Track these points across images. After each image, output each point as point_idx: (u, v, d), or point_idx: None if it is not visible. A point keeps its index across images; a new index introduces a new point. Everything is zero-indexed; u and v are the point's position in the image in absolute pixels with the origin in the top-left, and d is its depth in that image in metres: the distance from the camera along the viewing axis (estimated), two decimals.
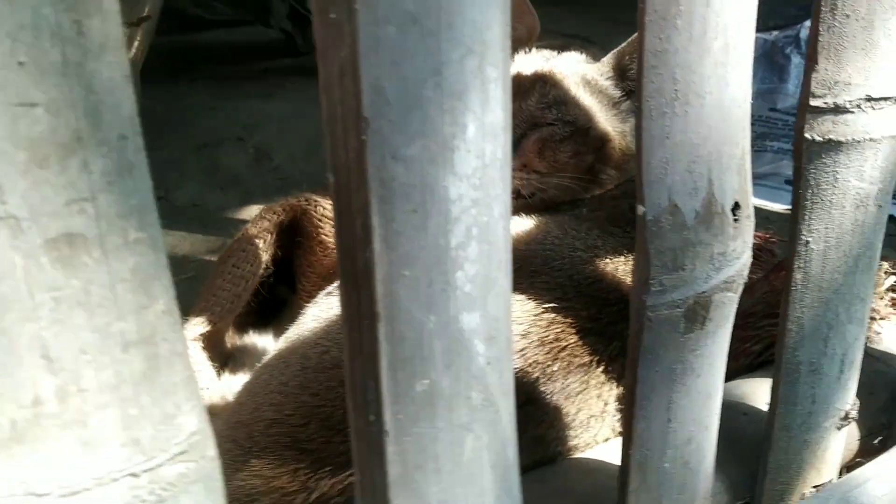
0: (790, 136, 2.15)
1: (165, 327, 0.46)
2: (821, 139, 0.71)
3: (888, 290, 1.12)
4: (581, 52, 1.17)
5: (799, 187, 0.74)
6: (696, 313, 0.66)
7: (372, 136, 0.46)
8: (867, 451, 0.97)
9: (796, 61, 2.37)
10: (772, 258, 1.16)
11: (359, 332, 0.53)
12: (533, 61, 1.16)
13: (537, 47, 1.22)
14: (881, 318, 1.09)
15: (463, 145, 0.48)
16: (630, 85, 1.09)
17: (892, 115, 0.72)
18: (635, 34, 1.09)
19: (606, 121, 1.08)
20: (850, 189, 0.73)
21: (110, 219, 0.42)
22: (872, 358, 1.05)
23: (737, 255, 0.66)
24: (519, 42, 1.26)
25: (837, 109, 0.70)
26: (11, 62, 0.37)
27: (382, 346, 0.52)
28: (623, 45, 1.09)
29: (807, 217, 0.74)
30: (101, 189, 0.41)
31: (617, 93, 1.09)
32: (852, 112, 0.70)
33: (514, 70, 1.17)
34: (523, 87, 1.10)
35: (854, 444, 0.98)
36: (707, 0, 0.57)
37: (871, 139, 0.72)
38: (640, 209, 0.62)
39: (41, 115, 0.38)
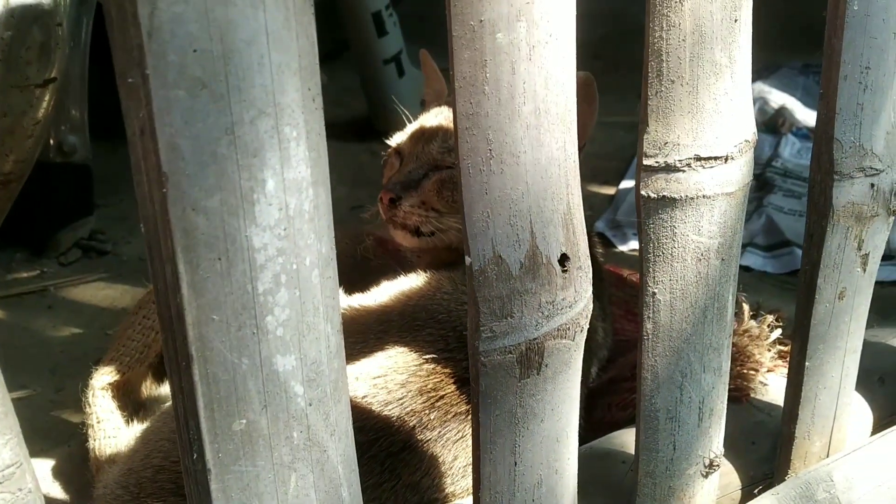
0: None
1: None
2: (655, 196, 0.76)
3: (775, 342, 1.15)
4: None
5: (641, 241, 0.78)
6: (531, 359, 0.69)
7: (172, 190, 0.51)
8: (749, 501, 0.99)
9: None
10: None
11: (178, 374, 0.56)
12: (443, 113, 1.23)
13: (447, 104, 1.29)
14: (767, 371, 1.12)
15: (263, 198, 0.53)
16: None
17: (723, 173, 0.77)
18: None
19: None
20: (689, 243, 0.78)
21: None
22: (756, 409, 1.08)
23: (568, 304, 0.70)
24: (432, 102, 1.34)
25: (669, 168, 0.75)
26: None
27: (198, 387, 0.55)
28: None
29: (651, 269, 0.79)
30: None
31: None
32: (683, 171, 0.75)
33: (425, 121, 1.24)
34: (427, 133, 1.16)
35: (736, 494, 1.00)
36: (512, 68, 0.62)
37: (704, 196, 0.76)
38: (468, 260, 0.66)
39: None
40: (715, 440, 0.89)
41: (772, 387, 1.11)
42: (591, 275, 0.72)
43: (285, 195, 0.54)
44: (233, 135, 0.51)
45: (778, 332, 1.17)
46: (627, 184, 2.28)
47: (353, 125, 2.67)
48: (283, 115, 0.52)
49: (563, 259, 0.69)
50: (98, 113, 1.92)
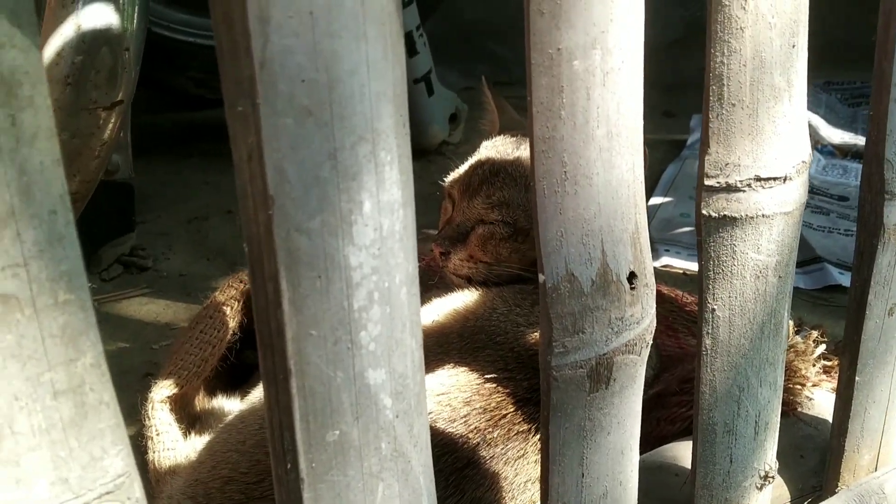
0: None
1: (93, 378, 0.52)
2: (716, 215, 0.78)
3: (819, 357, 1.17)
4: None
5: (701, 259, 0.80)
6: (600, 374, 0.72)
7: (277, 212, 0.54)
8: None
9: None
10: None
11: (275, 387, 0.59)
12: (496, 148, 1.26)
13: (503, 134, 1.31)
14: (813, 385, 1.14)
15: (360, 219, 0.55)
16: None
17: (782, 193, 0.79)
18: None
19: None
20: (748, 261, 0.80)
21: (41, 282, 0.48)
22: (803, 422, 1.10)
23: (636, 320, 0.72)
24: (487, 133, 1.37)
25: (730, 188, 0.77)
26: None
27: (295, 400, 0.58)
28: None
29: (711, 286, 0.81)
30: (33, 256, 0.48)
31: None
32: (744, 191, 0.77)
33: (483, 154, 1.26)
34: (472, 187, 1.20)
35: None
36: (587, 94, 0.64)
37: (763, 215, 0.79)
38: (541, 277, 0.68)
39: None
40: (769, 453, 0.91)
41: (817, 401, 1.13)
42: (654, 292, 0.75)
43: (380, 216, 0.56)
44: (335, 159, 0.54)
45: (822, 348, 1.19)
46: (657, 200, 2.31)
47: None
48: (380, 140, 0.55)
49: (632, 277, 0.71)
50: (137, 132, 1.97)
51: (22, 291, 0.48)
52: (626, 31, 0.65)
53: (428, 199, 2.33)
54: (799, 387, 1.12)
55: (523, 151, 1.21)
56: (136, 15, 1.21)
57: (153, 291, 1.94)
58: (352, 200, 0.55)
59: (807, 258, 1.98)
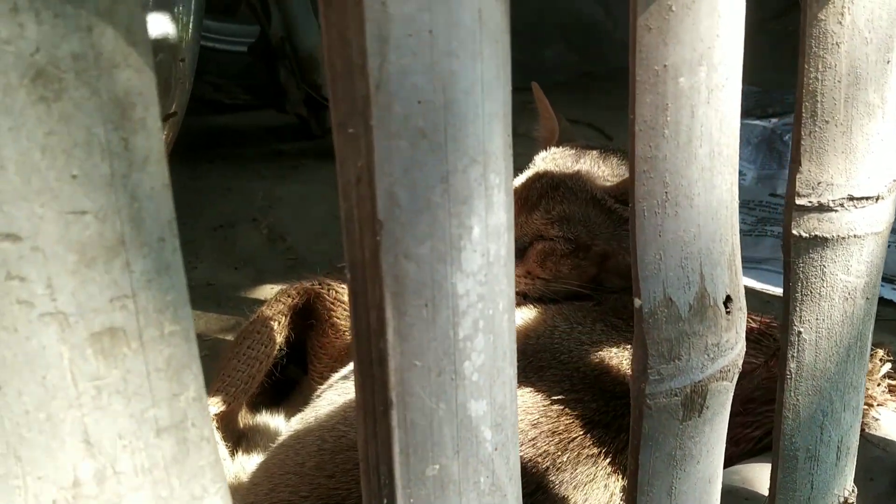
0: None
1: (195, 413, 0.49)
2: (807, 235, 0.75)
3: (884, 376, 1.14)
4: (608, 158, 1.21)
5: (789, 280, 0.78)
6: (694, 401, 0.69)
7: (385, 237, 0.51)
8: None
9: None
10: (773, 343, 1.19)
11: (373, 419, 0.56)
12: (554, 160, 1.22)
13: (560, 146, 1.28)
14: (878, 405, 1.11)
15: (469, 245, 0.53)
16: None
17: (874, 213, 0.76)
18: None
19: (611, 237, 1.13)
20: (837, 282, 0.77)
21: (148, 314, 0.46)
22: (871, 444, 1.07)
23: (730, 345, 0.70)
24: (543, 142, 1.33)
25: (822, 208, 0.75)
26: (66, 175, 0.42)
27: (395, 433, 0.55)
28: None
29: (798, 308, 0.78)
30: (141, 287, 0.45)
31: (626, 213, 1.13)
32: (836, 210, 0.75)
33: (540, 167, 1.23)
34: (531, 201, 1.16)
35: None
36: (692, 112, 0.62)
37: (855, 235, 0.76)
38: (637, 302, 0.66)
39: (90, 221, 0.43)
40: (849, 478, 0.88)
41: (883, 421, 1.10)
42: (745, 316, 0.72)
43: (487, 241, 0.54)
44: (447, 183, 0.51)
45: (888, 366, 1.16)
46: None
47: None
48: (490, 162, 0.53)
49: (727, 301, 0.68)
50: None
51: (129, 324, 0.45)
52: (730, 47, 0.62)
53: None
54: (866, 407, 1.09)
55: (583, 164, 1.19)
56: (191, 24, 1.18)
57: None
58: (462, 225, 0.52)
59: None
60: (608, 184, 1.16)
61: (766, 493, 0.95)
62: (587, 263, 1.13)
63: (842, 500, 0.87)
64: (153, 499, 0.48)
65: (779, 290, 1.91)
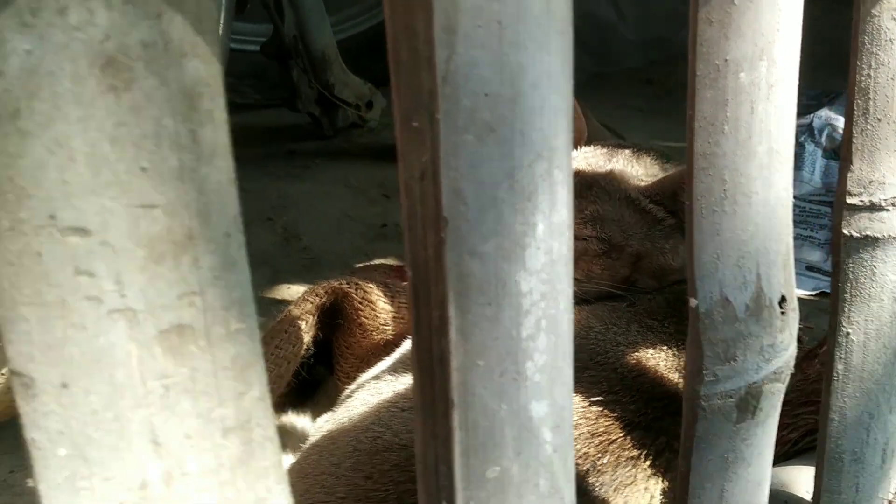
0: (808, 223, 2.18)
1: (259, 413, 0.48)
2: (858, 235, 0.74)
3: None
4: (641, 157, 1.20)
5: (838, 280, 0.77)
6: (748, 403, 0.68)
7: (450, 235, 0.50)
8: None
9: (810, 149, 2.42)
10: (803, 346, 1.18)
11: (433, 419, 0.55)
12: (586, 159, 1.21)
13: (591, 145, 1.27)
14: None
15: (533, 242, 0.52)
16: (677, 206, 1.11)
17: None
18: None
19: (645, 238, 1.11)
20: (887, 283, 0.76)
21: (215, 311, 0.45)
22: None
23: (784, 346, 0.69)
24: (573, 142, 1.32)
25: (873, 207, 0.74)
26: (135, 167, 0.41)
27: (456, 433, 0.54)
28: (673, 172, 1.13)
29: (846, 309, 0.77)
30: (209, 283, 0.44)
31: (661, 213, 1.12)
32: (888, 210, 0.74)
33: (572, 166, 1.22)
34: None
35: None
36: (752, 107, 0.61)
37: None
38: (693, 302, 0.65)
39: (159, 215, 0.42)
40: (893, 481, 0.87)
41: None
42: (798, 316, 0.71)
43: (550, 239, 0.53)
44: (512, 179, 0.50)
45: None
46: None
47: None
48: (555, 158, 0.52)
49: (782, 301, 0.67)
50: None
51: (197, 321, 0.44)
52: (789, 43, 0.61)
53: None
54: None
55: (616, 163, 1.18)
56: (221, 23, 1.17)
57: None
58: (526, 222, 0.51)
59: None
60: (642, 183, 1.15)
61: (804, 495, 0.94)
62: (620, 264, 1.11)
63: (885, 503, 0.85)
64: (220, 501, 0.47)
65: (802, 292, 1.90)
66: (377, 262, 1.93)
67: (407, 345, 1.13)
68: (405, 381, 1.00)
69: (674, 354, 0.99)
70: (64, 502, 0.44)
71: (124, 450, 0.44)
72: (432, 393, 0.55)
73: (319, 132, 2.85)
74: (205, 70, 0.42)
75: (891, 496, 0.86)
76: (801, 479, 0.98)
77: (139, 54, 0.40)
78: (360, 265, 1.85)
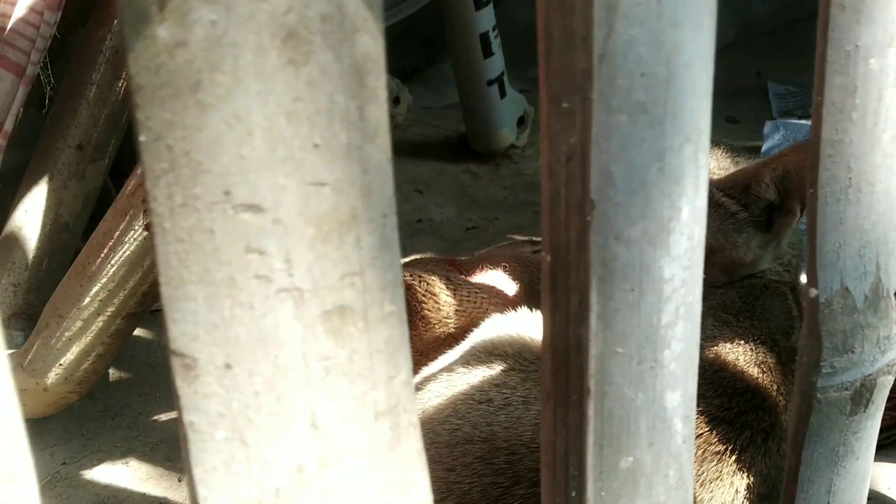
0: None
1: (406, 397, 0.47)
2: None
3: None
4: (713, 151, 1.18)
5: None
6: (862, 396, 0.67)
7: (597, 218, 0.49)
8: None
9: None
10: None
11: (564, 408, 0.54)
12: None
13: None
14: None
15: (678, 227, 0.51)
16: (752, 199, 1.09)
17: None
18: (767, 158, 1.12)
19: (718, 232, 1.10)
20: None
21: (373, 292, 0.44)
22: None
23: None
24: None
25: None
26: (308, 144, 0.40)
27: (591, 422, 0.53)
28: (749, 166, 1.12)
29: None
30: (368, 264, 0.43)
31: (734, 206, 1.10)
32: None
33: None
34: None
35: None
36: (879, 94, 0.60)
37: None
38: (813, 292, 0.63)
39: (328, 193, 0.41)
40: None
41: None
42: None
43: (693, 224, 0.52)
44: (662, 161, 0.49)
45: None
46: None
47: (447, 145, 2.65)
48: (701, 140, 0.51)
49: None
50: None
51: (357, 302, 0.43)
52: None
53: (501, 203, 2.29)
54: None
55: None
56: None
57: None
58: (673, 206, 0.50)
59: None
60: (715, 176, 1.13)
61: (886, 491, 0.93)
62: None
63: None
64: (369, 486, 0.46)
65: None
66: (416, 257, 1.92)
67: (475, 337, 1.11)
68: (479, 374, 0.99)
69: (751, 349, 0.98)
70: (219, 487, 0.44)
71: (284, 433, 0.43)
72: (566, 381, 0.54)
73: None
74: (373, 46, 0.41)
75: None
76: (881, 474, 0.97)
77: (318, 27, 0.39)
78: (411, 258, 1.84)
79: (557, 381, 0.54)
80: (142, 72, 0.37)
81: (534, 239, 1.92)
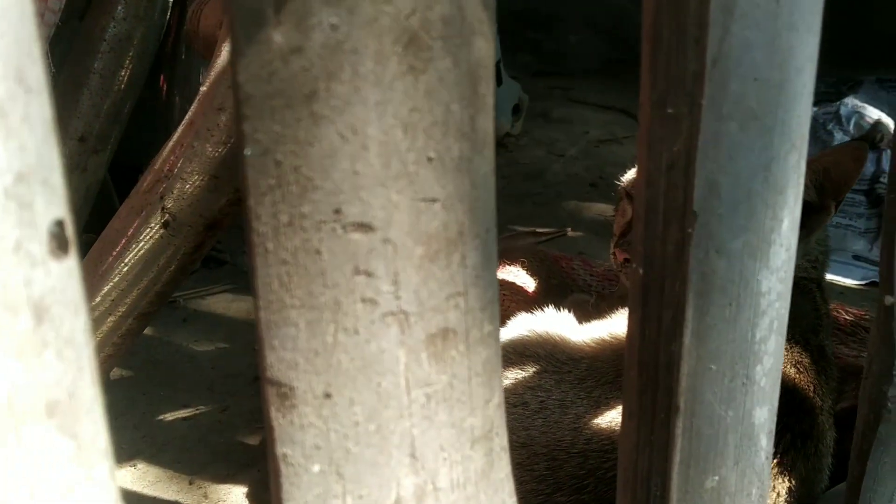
0: (846, 212, 2.15)
1: (499, 421, 0.45)
2: None
3: None
4: None
5: None
6: None
7: (699, 230, 0.46)
8: None
9: (839, 137, 2.40)
10: (866, 335, 1.15)
11: (649, 426, 0.52)
12: None
13: None
14: None
15: (778, 239, 0.48)
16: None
17: None
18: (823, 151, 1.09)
19: None
20: None
21: (474, 312, 0.41)
22: None
23: None
24: None
25: None
26: (423, 158, 0.37)
27: (678, 441, 0.51)
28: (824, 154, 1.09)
29: None
30: (472, 283, 0.41)
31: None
32: None
33: None
34: None
35: None
36: None
37: None
38: (889, 299, 0.61)
39: (438, 210, 0.38)
40: None
41: None
42: None
43: (791, 234, 0.49)
44: (768, 171, 0.46)
45: None
46: None
47: None
48: (804, 148, 0.48)
49: None
50: None
51: (460, 324, 0.41)
52: None
53: (499, 193, 2.26)
54: None
55: None
56: None
57: (236, 288, 1.85)
58: (775, 217, 0.48)
59: None
60: None
61: None
62: None
63: None
64: None
65: (852, 282, 1.88)
66: None
67: (505, 336, 1.08)
68: (511, 377, 0.97)
69: (787, 349, 0.96)
70: None
71: (382, 465, 0.40)
72: (653, 399, 0.51)
73: None
74: (486, 50, 0.38)
75: None
76: None
77: (439, 31, 0.36)
78: None
79: (643, 399, 0.52)
80: (252, 80, 0.34)
81: (536, 230, 1.90)
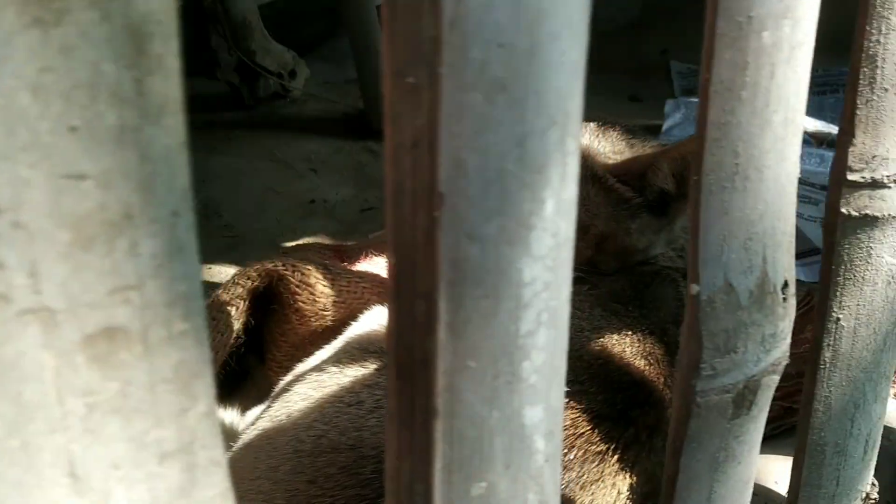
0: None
1: (205, 432, 0.39)
2: (857, 214, 0.69)
3: None
4: (607, 132, 1.11)
5: (831, 263, 0.71)
6: (745, 398, 0.62)
7: (446, 214, 0.41)
8: None
9: None
10: None
11: (409, 431, 0.47)
12: None
13: None
14: None
15: (540, 223, 0.43)
16: (645, 185, 1.04)
17: None
18: (665, 146, 1.06)
19: (611, 218, 1.04)
20: (882, 265, 0.71)
21: (156, 308, 0.35)
22: None
23: (783, 335, 0.63)
24: None
25: (875, 184, 0.68)
26: (62, 127, 0.31)
27: (438, 446, 0.46)
28: (645, 154, 1.06)
29: (838, 293, 0.72)
30: (150, 274, 0.35)
31: (628, 192, 1.04)
32: (889, 187, 0.68)
33: None
34: None
35: None
36: (772, 72, 0.53)
37: None
38: (695, 288, 0.58)
39: (90, 188, 0.32)
40: (871, 473, 0.83)
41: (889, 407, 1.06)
42: (795, 303, 0.65)
43: (558, 219, 0.45)
44: (522, 148, 0.41)
45: None
46: None
47: (347, 122, 2.52)
48: (568, 124, 0.43)
49: (784, 286, 0.61)
50: None
51: (132, 322, 0.35)
52: (811, 1, 0.54)
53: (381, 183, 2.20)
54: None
55: (581, 139, 1.09)
56: None
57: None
58: (535, 199, 0.43)
59: (804, 249, 1.92)
60: (609, 161, 1.07)
61: (773, 486, 0.90)
62: (584, 245, 1.03)
63: (863, 495, 0.81)
64: None
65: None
66: (307, 240, 1.80)
67: (352, 331, 1.03)
68: (351, 373, 0.91)
69: (639, 340, 0.93)
70: None
71: (33, 486, 0.34)
72: (411, 400, 0.46)
73: (239, 102, 2.64)
74: (157, 2, 0.32)
75: (868, 488, 0.82)
76: (768, 468, 0.93)
77: None
78: (291, 244, 1.72)
79: (401, 401, 0.47)
80: None
81: None
